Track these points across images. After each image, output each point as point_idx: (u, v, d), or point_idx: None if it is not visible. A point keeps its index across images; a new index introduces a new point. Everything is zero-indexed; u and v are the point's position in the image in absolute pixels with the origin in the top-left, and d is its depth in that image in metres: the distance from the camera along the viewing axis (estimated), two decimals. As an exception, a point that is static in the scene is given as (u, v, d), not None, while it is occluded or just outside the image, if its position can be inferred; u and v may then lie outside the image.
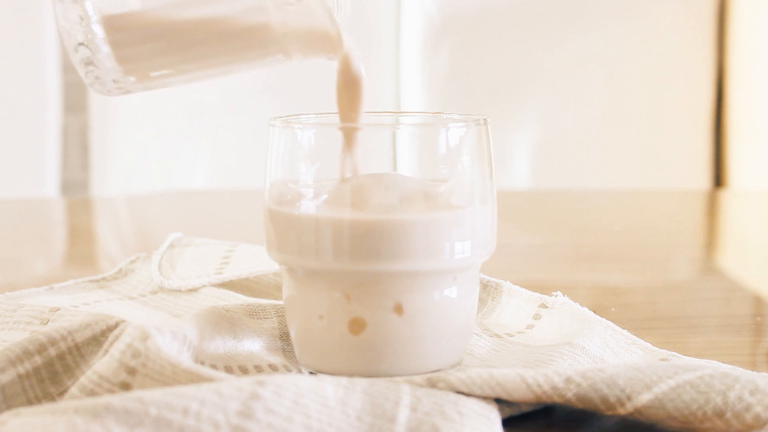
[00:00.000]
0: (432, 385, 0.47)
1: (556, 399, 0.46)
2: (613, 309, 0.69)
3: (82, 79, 0.50)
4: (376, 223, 0.51)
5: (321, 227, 0.52)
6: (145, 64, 0.52)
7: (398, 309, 0.52)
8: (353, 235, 0.51)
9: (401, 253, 0.51)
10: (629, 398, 0.46)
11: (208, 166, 1.83)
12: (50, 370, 0.49)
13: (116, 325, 0.51)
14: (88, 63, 0.51)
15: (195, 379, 0.45)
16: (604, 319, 0.59)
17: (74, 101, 1.89)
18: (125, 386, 0.46)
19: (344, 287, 0.52)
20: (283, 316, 0.59)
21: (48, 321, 0.57)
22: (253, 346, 0.56)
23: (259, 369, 0.54)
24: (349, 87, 0.54)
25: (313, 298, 0.53)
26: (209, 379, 0.45)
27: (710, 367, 0.47)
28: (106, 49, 0.50)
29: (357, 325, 0.52)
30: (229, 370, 0.53)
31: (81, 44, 0.50)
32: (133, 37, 0.51)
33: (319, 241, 0.52)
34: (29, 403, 0.48)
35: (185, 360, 0.47)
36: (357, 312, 0.52)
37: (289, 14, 0.51)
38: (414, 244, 0.51)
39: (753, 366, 0.57)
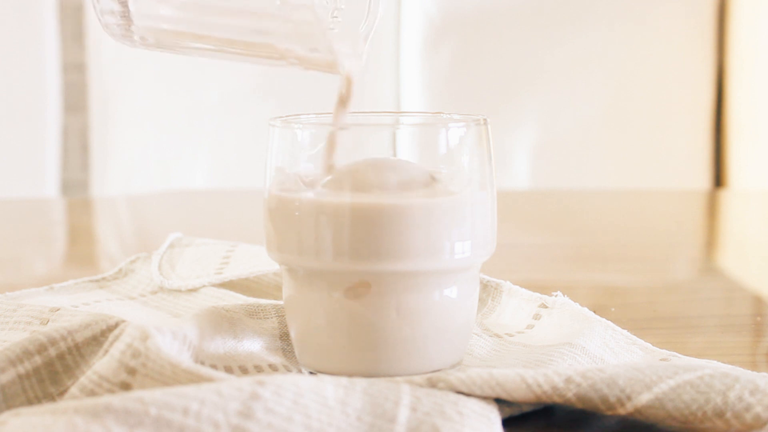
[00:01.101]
0: (432, 385, 0.47)
1: (556, 399, 0.46)
2: (613, 309, 0.69)
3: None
4: (376, 208, 0.51)
5: (321, 212, 0.52)
6: (167, 41, 0.55)
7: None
8: (353, 222, 0.51)
9: (401, 240, 0.51)
10: (629, 398, 0.46)
11: (208, 166, 1.83)
12: (50, 370, 0.49)
13: (116, 325, 0.51)
14: (115, 25, 0.54)
15: (195, 379, 0.45)
16: (604, 319, 0.59)
17: (74, 101, 1.89)
18: (125, 386, 0.46)
19: (344, 287, 0.52)
20: (283, 316, 0.59)
21: (48, 321, 0.57)
22: (253, 346, 0.56)
23: (259, 369, 0.54)
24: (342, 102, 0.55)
25: (313, 298, 0.53)
26: (209, 379, 0.45)
27: (710, 367, 0.47)
28: (136, 21, 0.54)
29: (362, 288, 0.52)
30: (229, 370, 0.53)
31: (111, 11, 0.54)
32: (158, 18, 0.54)
33: (319, 231, 0.52)
34: (29, 403, 0.48)
35: (185, 360, 0.47)
36: (359, 313, 0.52)
37: (293, 42, 0.53)
38: (414, 231, 0.51)
39: (753, 366, 0.57)
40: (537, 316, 0.61)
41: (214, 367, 0.53)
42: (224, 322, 0.56)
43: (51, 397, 0.49)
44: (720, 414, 0.45)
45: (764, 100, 1.69)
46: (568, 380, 0.46)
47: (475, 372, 0.47)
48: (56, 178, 1.85)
